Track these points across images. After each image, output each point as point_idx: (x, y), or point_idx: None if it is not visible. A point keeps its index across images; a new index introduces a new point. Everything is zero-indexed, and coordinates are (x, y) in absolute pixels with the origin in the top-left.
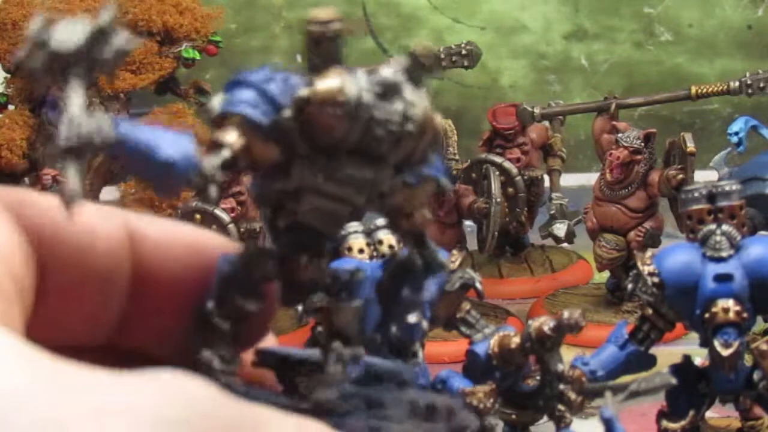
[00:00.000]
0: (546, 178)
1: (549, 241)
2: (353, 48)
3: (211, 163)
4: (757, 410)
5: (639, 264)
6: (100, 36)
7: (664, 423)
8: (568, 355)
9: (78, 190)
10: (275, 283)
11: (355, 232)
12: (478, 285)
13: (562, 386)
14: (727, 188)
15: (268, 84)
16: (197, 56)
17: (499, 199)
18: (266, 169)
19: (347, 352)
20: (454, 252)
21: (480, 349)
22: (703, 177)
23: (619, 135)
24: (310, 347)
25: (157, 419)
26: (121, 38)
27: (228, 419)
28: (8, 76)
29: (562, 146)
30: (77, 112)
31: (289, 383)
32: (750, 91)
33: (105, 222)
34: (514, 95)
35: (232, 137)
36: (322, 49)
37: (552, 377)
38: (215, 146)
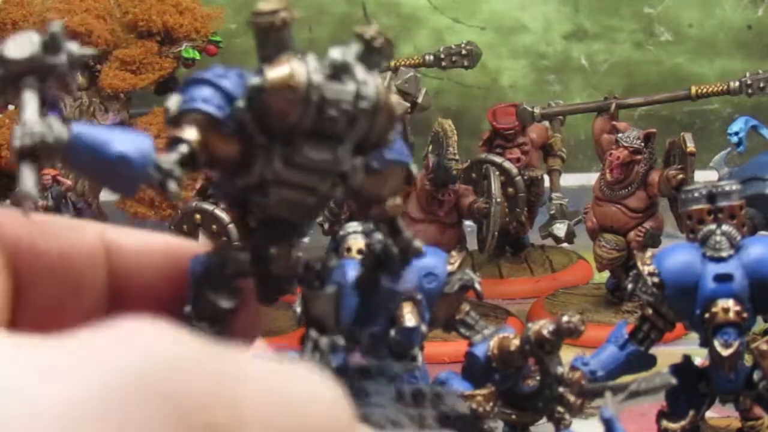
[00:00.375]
0: (546, 178)
1: (549, 241)
2: None
3: (169, 158)
4: (757, 410)
5: (639, 264)
6: (50, 45)
7: (664, 423)
8: (568, 355)
9: (32, 191)
10: (250, 283)
11: (354, 232)
12: (477, 286)
13: (561, 389)
14: (727, 188)
15: (221, 79)
16: (197, 56)
17: (499, 199)
18: (226, 166)
19: (324, 341)
20: (454, 253)
21: (479, 350)
22: (703, 177)
23: (619, 135)
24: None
25: (109, 374)
26: (73, 46)
27: (197, 368)
28: None
29: (562, 146)
30: (31, 117)
31: None
32: (750, 91)
33: (80, 234)
34: (514, 95)
35: (189, 133)
36: (271, 40)
37: (551, 380)
38: (173, 143)
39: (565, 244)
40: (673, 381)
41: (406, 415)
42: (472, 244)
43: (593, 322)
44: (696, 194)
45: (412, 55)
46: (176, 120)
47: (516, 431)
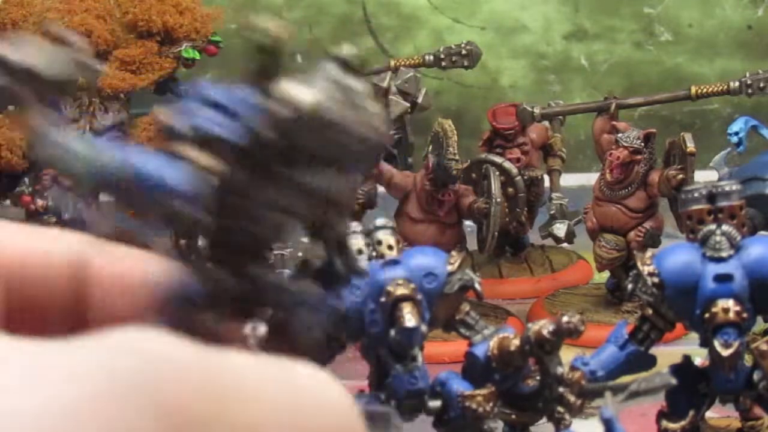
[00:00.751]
0: (546, 178)
1: (549, 241)
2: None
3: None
4: (757, 410)
5: (639, 264)
6: (81, 65)
7: (664, 423)
8: (568, 355)
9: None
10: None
11: (354, 232)
12: (477, 286)
13: (561, 389)
14: (727, 188)
15: (231, 101)
16: (197, 56)
17: (499, 199)
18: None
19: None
20: (454, 253)
21: (479, 351)
22: (703, 177)
23: (619, 135)
24: None
25: (99, 379)
26: (96, 62)
27: (190, 374)
28: None
29: (562, 146)
30: (79, 145)
31: None
32: (750, 91)
33: (59, 248)
34: (514, 95)
35: (210, 161)
36: (266, 60)
37: (551, 380)
38: (200, 168)
39: (565, 244)
40: (673, 381)
41: None
42: (472, 244)
43: (593, 322)
44: (696, 194)
45: (412, 55)
46: (186, 138)
47: (516, 431)
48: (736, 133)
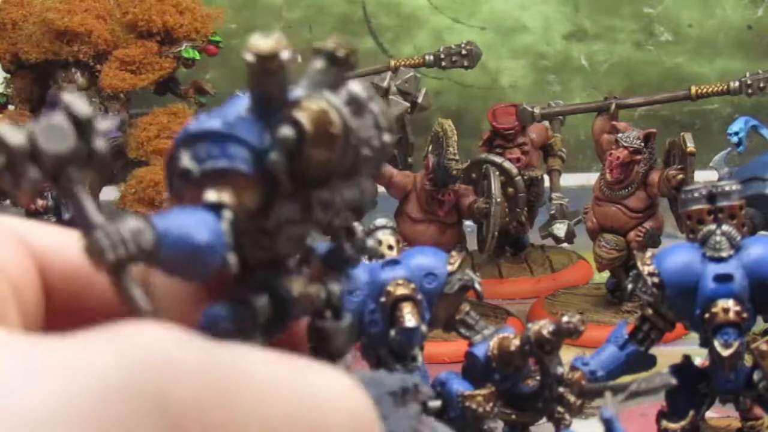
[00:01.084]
0: (546, 178)
1: (549, 241)
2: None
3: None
4: (757, 410)
5: (639, 264)
6: (85, 131)
7: (664, 423)
8: (568, 355)
9: (149, 308)
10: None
11: None
12: (477, 286)
13: (561, 389)
14: (727, 188)
15: (235, 129)
16: (197, 56)
17: (499, 199)
18: (242, 218)
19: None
20: (454, 253)
21: (479, 351)
22: (703, 177)
23: (619, 135)
24: None
25: (100, 376)
26: (103, 124)
27: (193, 370)
28: (8, 76)
29: (562, 146)
30: (101, 220)
31: None
32: (750, 91)
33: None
34: (514, 95)
35: (225, 197)
36: (271, 82)
37: (551, 380)
38: (214, 208)
39: (565, 244)
40: (673, 381)
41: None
42: (472, 244)
43: (593, 322)
44: (696, 194)
45: (412, 55)
46: (204, 181)
47: (516, 431)
48: (736, 133)
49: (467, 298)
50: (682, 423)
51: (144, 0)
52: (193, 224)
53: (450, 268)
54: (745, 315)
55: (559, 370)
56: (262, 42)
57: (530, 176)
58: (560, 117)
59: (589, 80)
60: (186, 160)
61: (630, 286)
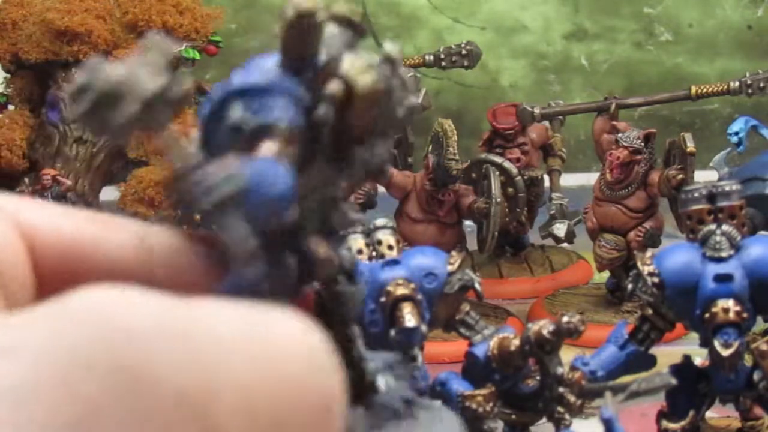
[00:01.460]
0: (546, 178)
1: (549, 241)
2: None
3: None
4: (757, 410)
5: (639, 264)
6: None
7: (664, 423)
8: (568, 355)
9: (252, 244)
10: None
11: (354, 232)
12: (477, 286)
13: (561, 389)
14: (727, 188)
15: (282, 84)
16: (197, 56)
17: (499, 199)
18: None
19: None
20: (454, 253)
21: (479, 351)
22: (703, 177)
23: (619, 135)
24: None
25: (63, 348)
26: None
27: (158, 335)
28: (8, 76)
29: (562, 146)
30: (196, 162)
31: None
32: (750, 91)
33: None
34: (514, 95)
35: (282, 149)
36: (306, 40)
37: (551, 380)
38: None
39: (565, 244)
40: (673, 381)
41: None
42: (472, 244)
43: (593, 322)
44: (696, 194)
45: (412, 55)
46: (258, 134)
47: (516, 431)
48: (736, 133)
49: (467, 298)
50: (682, 423)
51: (144, 0)
52: (273, 174)
53: (450, 268)
54: (745, 315)
55: (559, 370)
56: (302, 0)
57: (530, 176)
58: (560, 117)
59: (589, 80)
60: (238, 113)
61: (630, 286)
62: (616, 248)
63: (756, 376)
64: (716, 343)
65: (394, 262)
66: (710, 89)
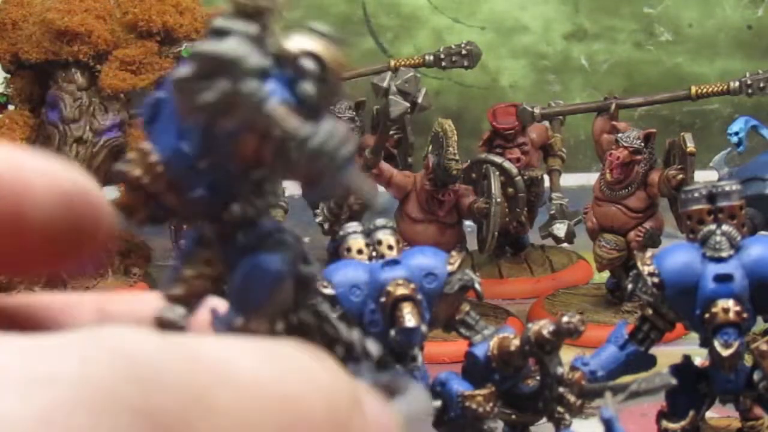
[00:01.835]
0: (546, 178)
1: (549, 241)
2: (353, 48)
3: None
4: (757, 410)
5: (639, 264)
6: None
7: (664, 423)
8: (567, 355)
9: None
10: None
11: (354, 232)
12: (477, 286)
13: (561, 389)
14: (727, 188)
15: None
16: None
17: (499, 199)
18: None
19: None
20: (454, 253)
21: (479, 351)
22: (703, 177)
23: (619, 135)
24: None
25: (83, 383)
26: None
27: (171, 376)
28: (8, 76)
29: (562, 146)
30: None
31: None
32: (750, 91)
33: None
34: (514, 95)
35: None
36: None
37: (551, 380)
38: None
39: (565, 244)
40: (673, 381)
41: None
42: (472, 244)
43: (593, 322)
44: (696, 194)
45: (412, 55)
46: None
47: (516, 431)
48: (736, 133)
49: (467, 298)
50: (682, 423)
51: (144, 0)
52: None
53: (450, 268)
54: (745, 315)
55: (559, 370)
56: None
57: (530, 176)
58: (560, 117)
59: (589, 80)
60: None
61: (630, 286)
62: (616, 248)
63: (756, 376)
64: (716, 343)
65: (394, 262)
66: (710, 89)
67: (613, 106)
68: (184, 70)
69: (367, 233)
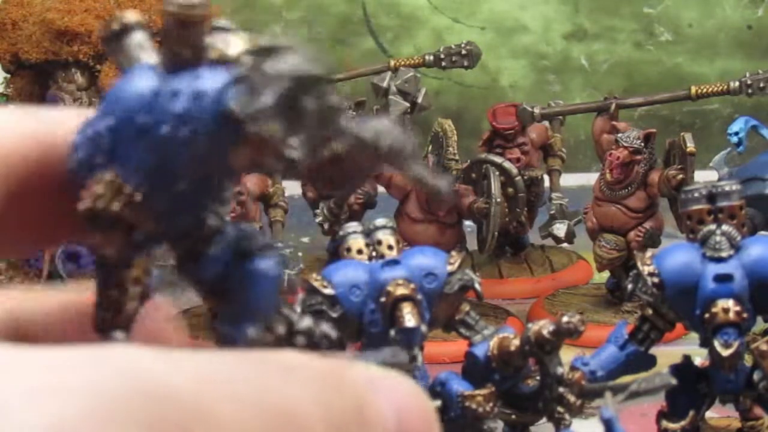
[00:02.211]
0: (546, 178)
1: (549, 241)
2: (353, 48)
3: None
4: (757, 410)
5: (639, 264)
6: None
7: (664, 423)
8: (567, 355)
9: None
10: None
11: (354, 232)
12: (477, 286)
13: (561, 389)
14: (727, 188)
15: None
16: None
17: (499, 199)
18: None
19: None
20: (454, 253)
21: (479, 351)
22: (703, 177)
23: (619, 135)
24: None
25: (93, 396)
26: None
27: (181, 394)
28: (8, 76)
29: (562, 146)
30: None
31: None
32: (750, 91)
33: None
34: (514, 95)
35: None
36: (188, 35)
37: (551, 380)
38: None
39: (565, 244)
40: (673, 381)
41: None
42: (472, 244)
43: (593, 322)
44: (696, 194)
45: (412, 55)
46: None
47: (516, 431)
48: (736, 133)
49: (467, 298)
50: (682, 423)
51: (144, 0)
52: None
53: (450, 268)
54: (745, 315)
55: (559, 370)
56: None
57: (530, 176)
58: (560, 117)
59: (589, 80)
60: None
61: (630, 286)
62: (616, 248)
63: (756, 376)
64: (716, 343)
65: (394, 262)
66: (710, 89)
67: (613, 106)
68: (253, 99)
69: (367, 233)
